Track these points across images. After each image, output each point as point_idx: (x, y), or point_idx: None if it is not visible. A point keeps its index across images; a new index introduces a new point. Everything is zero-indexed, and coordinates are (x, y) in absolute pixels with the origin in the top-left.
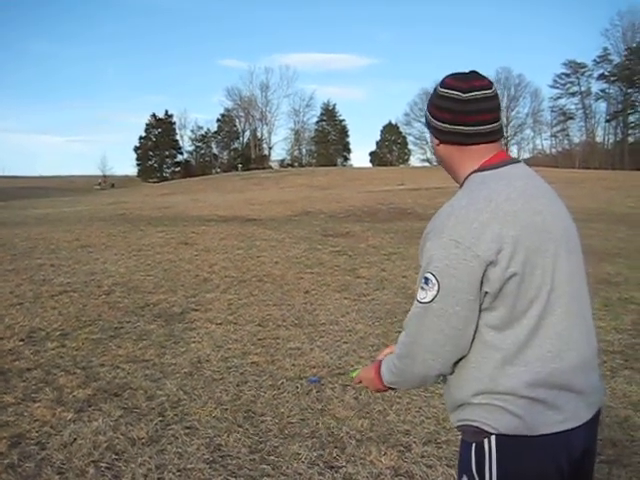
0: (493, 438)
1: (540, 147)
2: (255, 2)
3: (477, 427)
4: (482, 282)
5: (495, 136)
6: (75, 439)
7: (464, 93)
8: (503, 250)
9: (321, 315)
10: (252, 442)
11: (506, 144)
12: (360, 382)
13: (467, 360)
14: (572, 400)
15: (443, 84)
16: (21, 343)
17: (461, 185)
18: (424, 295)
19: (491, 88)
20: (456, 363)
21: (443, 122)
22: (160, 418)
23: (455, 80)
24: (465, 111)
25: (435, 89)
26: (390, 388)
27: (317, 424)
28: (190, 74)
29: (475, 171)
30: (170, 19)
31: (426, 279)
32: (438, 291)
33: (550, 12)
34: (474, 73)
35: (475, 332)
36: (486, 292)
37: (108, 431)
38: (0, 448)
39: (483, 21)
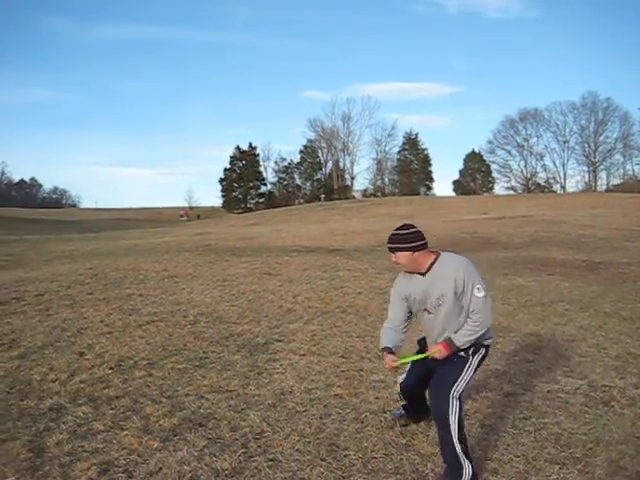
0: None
1: (631, 172)
2: (336, 33)
3: (481, 343)
4: None
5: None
6: (161, 468)
7: (414, 228)
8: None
9: (404, 347)
10: (335, 476)
11: (594, 170)
12: (427, 356)
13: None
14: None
15: (402, 228)
16: (110, 371)
17: (431, 265)
18: (484, 293)
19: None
20: None
21: (418, 241)
22: (243, 449)
23: (405, 227)
24: (421, 236)
25: (399, 234)
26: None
27: (401, 459)
28: (273, 106)
29: (438, 255)
30: (253, 54)
31: (479, 287)
32: (486, 290)
33: (635, 33)
34: (406, 225)
35: None
36: None
37: (192, 461)
38: (90, 474)
39: (566, 49)
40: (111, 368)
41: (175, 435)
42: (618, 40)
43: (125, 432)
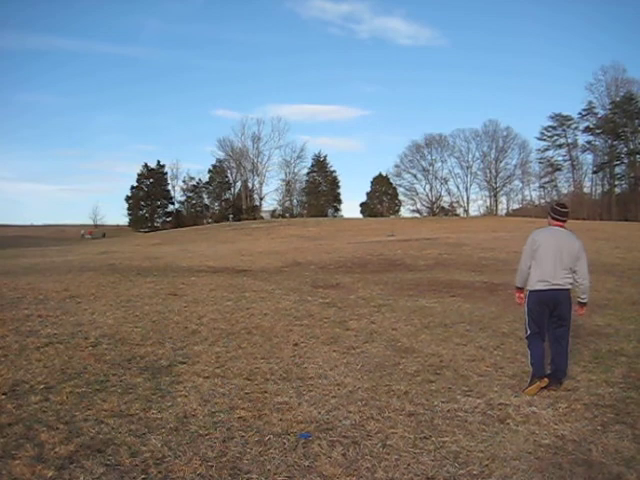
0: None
1: (529, 198)
2: (248, 52)
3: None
4: None
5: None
6: None
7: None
8: None
9: (310, 368)
10: None
11: (495, 195)
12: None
13: None
14: None
15: (557, 203)
16: (3, 397)
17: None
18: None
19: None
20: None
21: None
22: (143, 476)
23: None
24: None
25: (551, 206)
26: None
27: None
28: (183, 124)
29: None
30: (163, 70)
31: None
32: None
33: (535, 66)
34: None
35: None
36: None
37: None
38: None
39: (469, 77)
40: (4, 393)
41: (72, 462)
42: (515, 71)
43: (17, 461)
